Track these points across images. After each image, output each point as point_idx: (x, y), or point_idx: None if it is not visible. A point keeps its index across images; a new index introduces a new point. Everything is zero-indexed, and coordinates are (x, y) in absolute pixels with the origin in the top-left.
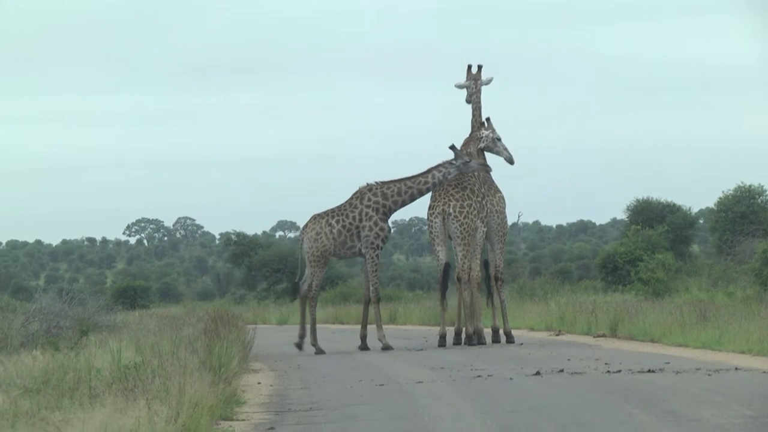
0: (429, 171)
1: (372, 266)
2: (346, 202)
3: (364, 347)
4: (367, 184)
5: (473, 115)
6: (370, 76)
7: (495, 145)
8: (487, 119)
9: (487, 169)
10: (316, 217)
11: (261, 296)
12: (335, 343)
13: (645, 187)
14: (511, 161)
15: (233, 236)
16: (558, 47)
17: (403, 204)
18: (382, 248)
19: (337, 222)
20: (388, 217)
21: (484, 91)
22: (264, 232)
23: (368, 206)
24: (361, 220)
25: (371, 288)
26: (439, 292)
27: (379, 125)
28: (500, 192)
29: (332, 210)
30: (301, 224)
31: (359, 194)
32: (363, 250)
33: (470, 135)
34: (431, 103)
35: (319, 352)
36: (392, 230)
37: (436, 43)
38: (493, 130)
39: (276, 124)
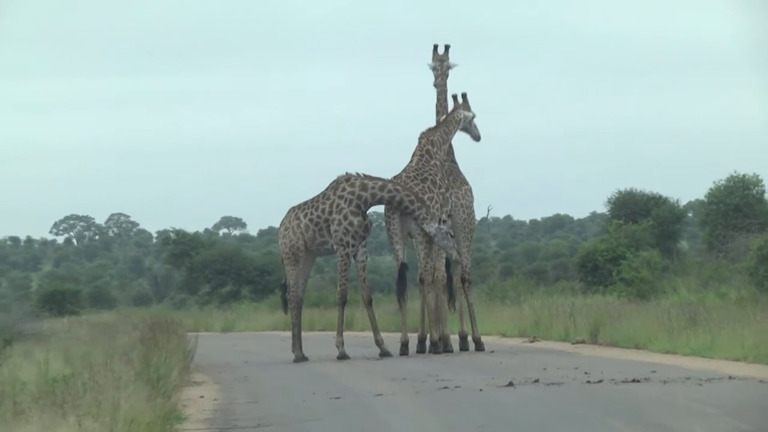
0: (423, 202)
1: (341, 265)
2: (321, 192)
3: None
4: (346, 174)
5: (438, 100)
6: (331, 57)
7: (470, 125)
8: (464, 95)
9: (453, 253)
10: (290, 210)
11: (203, 301)
12: (286, 352)
13: (628, 178)
14: (478, 138)
15: (172, 234)
16: (532, 23)
17: (380, 202)
18: (353, 245)
19: (305, 215)
20: (363, 211)
21: (453, 74)
22: (206, 230)
23: (341, 197)
24: (330, 213)
25: (338, 289)
26: (396, 295)
27: (342, 111)
28: (467, 184)
29: (306, 202)
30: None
31: (335, 184)
32: (334, 247)
33: (444, 118)
34: (402, 87)
35: (300, 359)
36: (372, 226)
37: (408, 20)
38: (469, 109)
39: (225, 109)
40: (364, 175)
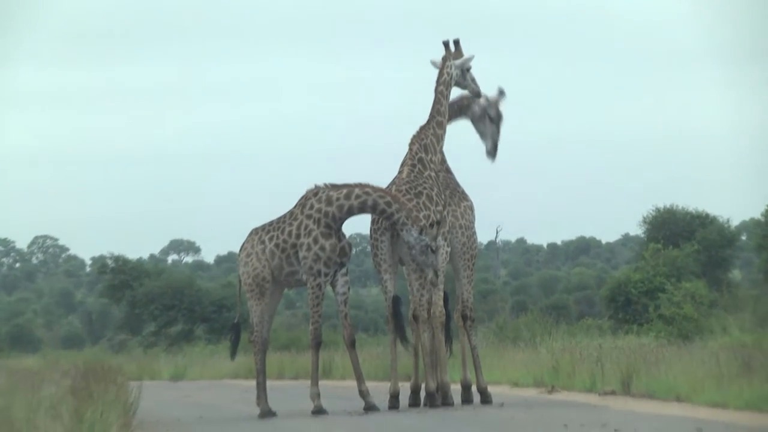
0: (401, 205)
1: (312, 298)
2: (289, 211)
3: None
4: (315, 187)
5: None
6: (308, 43)
7: (464, 76)
8: (456, 41)
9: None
10: (252, 233)
11: (148, 342)
12: (250, 405)
13: (667, 193)
14: (477, 94)
15: (110, 261)
16: (554, 4)
17: (351, 212)
18: (326, 274)
19: (270, 239)
20: (336, 230)
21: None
22: (152, 256)
23: (309, 216)
24: (298, 236)
25: (310, 328)
26: (390, 335)
27: (323, 109)
28: (467, 199)
29: (271, 223)
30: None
31: (303, 201)
32: (305, 277)
33: (435, 95)
34: (393, 80)
35: (266, 414)
36: (352, 249)
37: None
38: (465, 60)
39: (177, 109)
40: (331, 186)
